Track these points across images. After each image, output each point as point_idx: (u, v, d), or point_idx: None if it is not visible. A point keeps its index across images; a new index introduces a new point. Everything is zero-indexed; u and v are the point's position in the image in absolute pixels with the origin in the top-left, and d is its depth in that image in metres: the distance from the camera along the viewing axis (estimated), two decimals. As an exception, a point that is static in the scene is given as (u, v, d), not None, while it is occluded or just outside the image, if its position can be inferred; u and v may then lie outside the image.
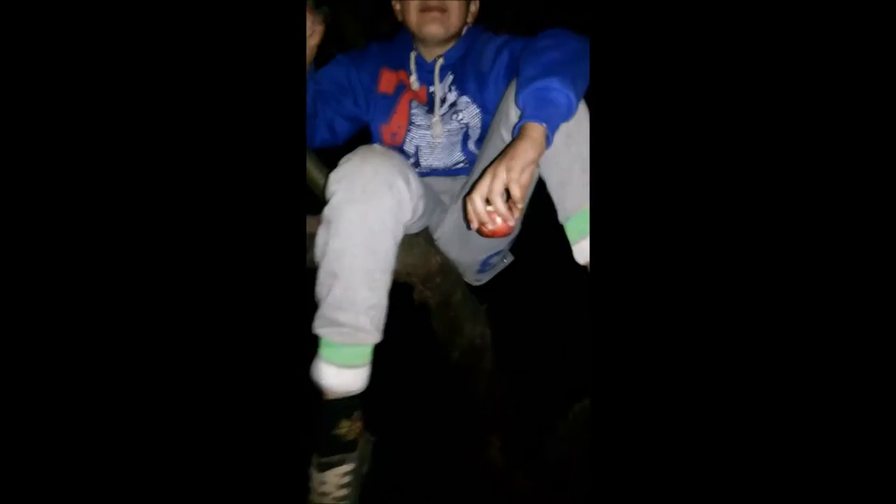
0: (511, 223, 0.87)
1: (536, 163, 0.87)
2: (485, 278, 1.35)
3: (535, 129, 0.87)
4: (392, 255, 0.92)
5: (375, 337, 0.92)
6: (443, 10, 1.20)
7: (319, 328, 0.90)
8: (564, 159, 0.94)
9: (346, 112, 1.26)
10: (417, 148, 1.27)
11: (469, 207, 0.87)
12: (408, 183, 0.91)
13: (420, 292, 1.22)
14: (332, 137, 1.26)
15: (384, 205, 0.88)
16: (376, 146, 0.95)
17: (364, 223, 0.87)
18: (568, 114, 0.90)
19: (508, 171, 0.84)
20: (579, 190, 0.93)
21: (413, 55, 1.29)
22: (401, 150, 1.27)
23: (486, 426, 1.71)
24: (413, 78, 1.28)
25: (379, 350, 0.93)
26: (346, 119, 1.26)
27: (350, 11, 1.70)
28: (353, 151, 0.92)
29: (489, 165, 0.88)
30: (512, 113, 0.98)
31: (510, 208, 0.86)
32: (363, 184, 0.87)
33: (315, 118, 1.18)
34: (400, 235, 0.93)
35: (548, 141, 0.88)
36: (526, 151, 0.85)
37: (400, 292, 1.04)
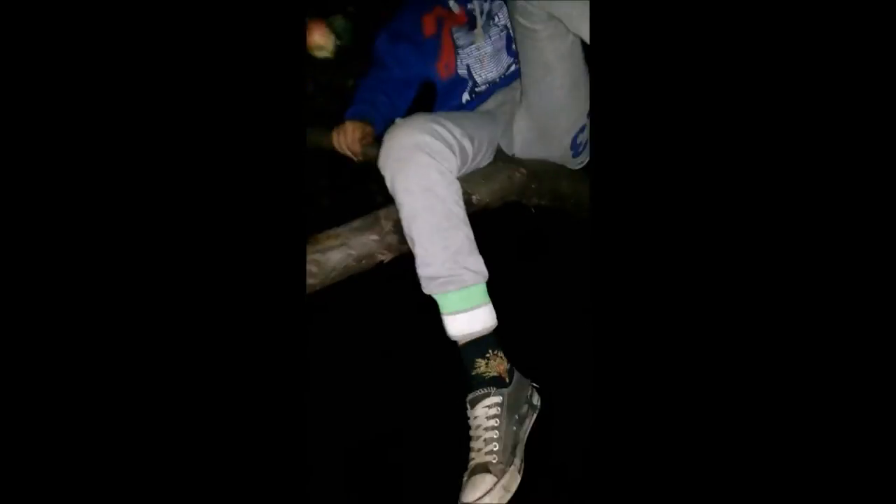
0: None
1: None
2: (586, 158, 1.34)
3: None
4: (452, 201, 1.01)
5: (474, 277, 1.01)
6: None
7: (425, 289, 1.03)
8: None
9: (403, 79, 1.39)
10: (469, 67, 1.32)
11: None
12: (434, 134, 1.00)
13: (527, 203, 1.29)
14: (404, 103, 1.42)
15: (419, 163, 0.99)
16: (397, 121, 1.05)
17: (411, 188, 0.99)
18: None
19: None
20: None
21: None
22: (456, 76, 1.33)
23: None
24: (452, 2, 1.33)
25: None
26: (407, 87, 1.40)
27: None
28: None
29: None
30: None
31: None
32: (395, 157, 0.99)
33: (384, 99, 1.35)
34: (452, 180, 1.02)
35: None
36: None
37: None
